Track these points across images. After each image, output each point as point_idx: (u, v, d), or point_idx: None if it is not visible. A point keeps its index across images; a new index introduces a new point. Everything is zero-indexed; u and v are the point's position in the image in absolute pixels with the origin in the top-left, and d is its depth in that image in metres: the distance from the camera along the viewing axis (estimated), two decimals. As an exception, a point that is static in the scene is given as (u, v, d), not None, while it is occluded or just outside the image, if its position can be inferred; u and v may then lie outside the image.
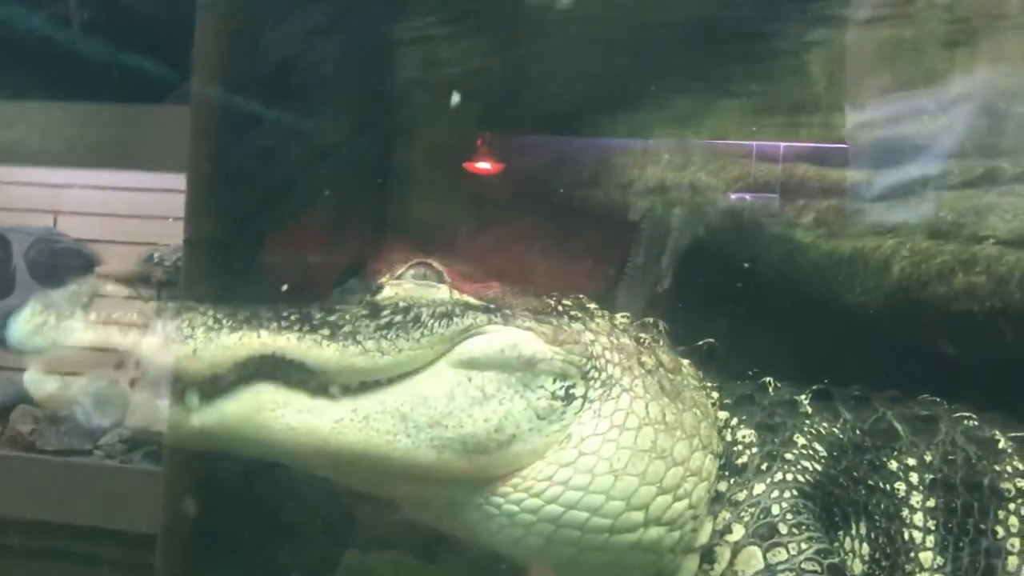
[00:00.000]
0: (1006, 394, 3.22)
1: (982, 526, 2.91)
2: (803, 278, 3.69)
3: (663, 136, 4.49)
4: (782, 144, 4.14)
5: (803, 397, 3.04)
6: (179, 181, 4.84)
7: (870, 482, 2.92)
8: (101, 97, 5.23)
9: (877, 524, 2.87)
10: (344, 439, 2.45)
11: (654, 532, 2.69)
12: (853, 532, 2.83)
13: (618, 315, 2.94)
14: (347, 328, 2.45)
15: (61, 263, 6.59)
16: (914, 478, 2.95)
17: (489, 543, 2.74)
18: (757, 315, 3.78)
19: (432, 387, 2.52)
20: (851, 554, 2.79)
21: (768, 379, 3.06)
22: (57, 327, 2.25)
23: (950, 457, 2.99)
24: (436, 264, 2.66)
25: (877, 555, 2.82)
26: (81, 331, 2.26)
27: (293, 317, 2.41)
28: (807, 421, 2.96)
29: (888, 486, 2.93)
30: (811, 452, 2.87)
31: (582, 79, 4.59)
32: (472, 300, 2.65)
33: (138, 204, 6.60)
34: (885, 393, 3.23)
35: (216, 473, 4.66)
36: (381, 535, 4.46)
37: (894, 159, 3.65)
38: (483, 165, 5.25)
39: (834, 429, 2.98)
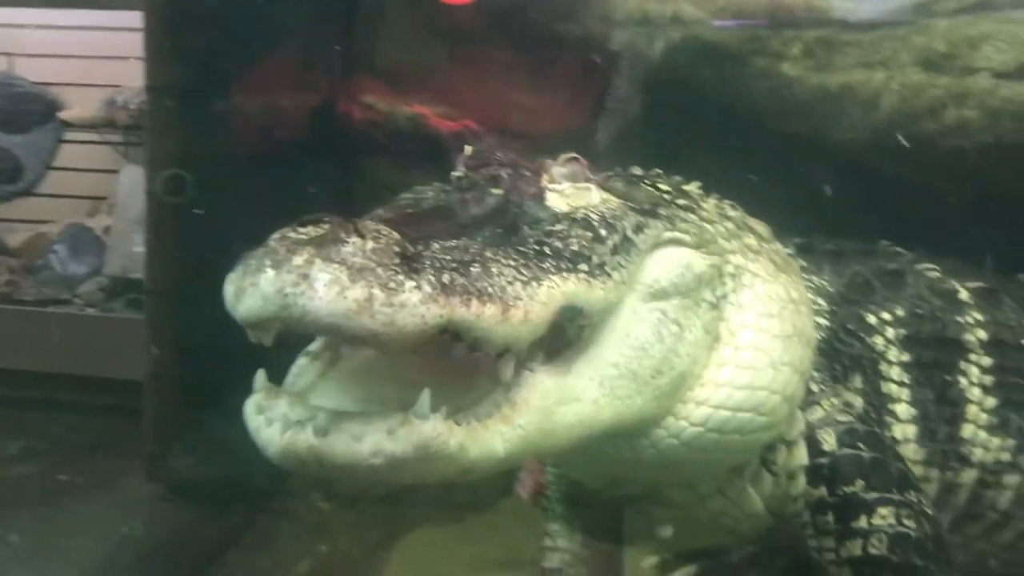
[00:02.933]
0: (991, 232, 3.19)
1: (948, 378, 2.98)
2: (790, 114, 3.56)
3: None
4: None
5: (791, 250, 2.94)
6: (139, 19, 4.63)
7: (861, 334, 2.92)
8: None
9: (868, 377, 2.88)
10: (603, 417, 2.12)
11: (786, 425, 2.58)
12: (850, 385, 2.83)
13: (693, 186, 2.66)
14: (595, 259, 2.06)
15: (22, 108, 6.39)
16: (890, 333, 2.97)
17: (628, 473, 2.55)
18: (741, 154, 3.69)
19: (643, 332, 2.20)
20: (850, 407, 2.76)
21: None
22: (392, 304, 1.63)
23: (918, 311, 3.01)
24: (582, 159, 2.30)
25: (867, 409, 2.81)
26: (423, 306, 1.65)
27: (546, 250, 1.98)
28: (803, 275, 2.84)
29: (870, 340, 2.93)
30: (817, 307, 2.84)
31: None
32: (630, 204, 2.32)
33: (97, 44, 6.37)
34: (850, 244, 3.21)
35: (200, 318, 4.66)
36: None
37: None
38: (455, -3, 5.00)
39: (823, 282, 2.97)
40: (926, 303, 3.04)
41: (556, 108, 4.96)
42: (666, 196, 2.44)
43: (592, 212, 2.18)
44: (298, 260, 1.62)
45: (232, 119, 4.69)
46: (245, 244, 4.61)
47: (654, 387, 2.23)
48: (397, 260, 1.67)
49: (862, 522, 2.58)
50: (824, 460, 2.61)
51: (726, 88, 3.76)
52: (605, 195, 2.29)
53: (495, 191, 2.18)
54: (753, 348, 2.41)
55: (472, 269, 1.76)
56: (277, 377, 1.88)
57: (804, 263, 2.96)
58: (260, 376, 1.84)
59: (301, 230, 1.71)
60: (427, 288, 1.65)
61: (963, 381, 3.00)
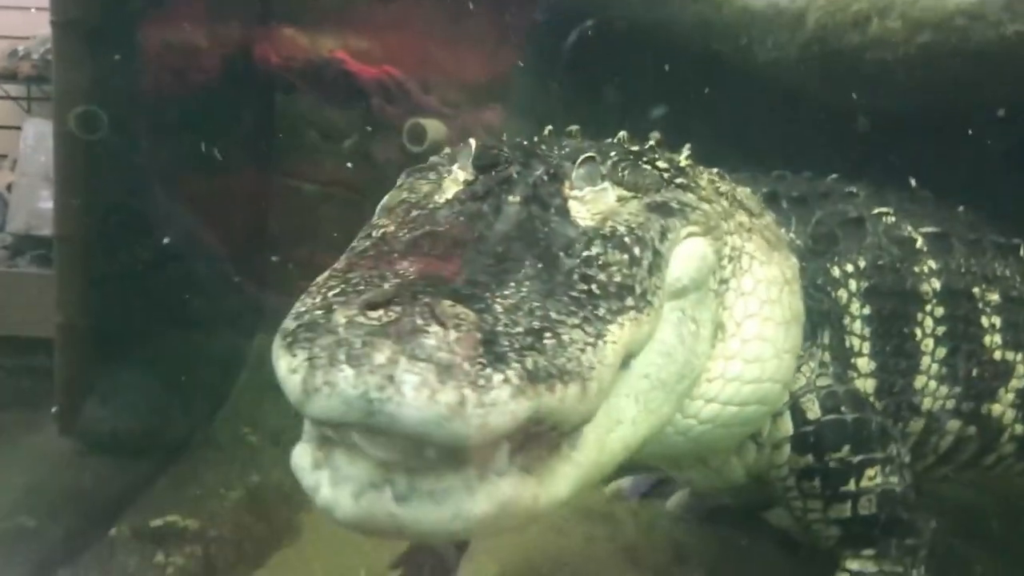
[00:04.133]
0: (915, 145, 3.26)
1: (905, 330, 2.98)
2: (716, 38, 3.58)
3: None
4: None
5: (760, 199, 2.79)
6: (40, -35, 4.44)
7: (828, 288, 2.89)
8: None
9: (834, 332, 2.85)
10: (640, 435, 2.00)
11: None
12: (819, 341, 2.80)
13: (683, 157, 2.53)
14: (637, 288, 1.93)
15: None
16: (852, 285, 2.94)
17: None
18: (672, 82, 3.70)
19: (668, 336, 2.08)
20: (826, 367, 2.76)
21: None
22: (483, 404, 1.49)
23: (879, 262, 3.00)
24: (596, 155, 2.17)
25: (833, 363, 2.80)
26: (514, 402, 1.51)
27: (595, 289, 1.84)
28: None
29: (835, 293, 2.91)
30: None
31: None
32: (644, 198, 2.19)
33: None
34: (803, 183, 3.19)
35: (110, 271, 4.50)
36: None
37: None
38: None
39: (791, 235, 2.89)
40: (885, 253, 3.02)
41: (478, 55, 4.94)
42: (665, 175, 2.32)
43: (619, 224, 2.06)
44: (380, 358, 1.48)
45: (144, 56, 4.52)
46: (160, 187, 4.43)
47: (678, 393, 2.15)
48: (481, 350, 1.53)
49: (850, 486, 2.62)
50: (809, 428, 2.61)
51: (654, 14, 3.76)
52: (619, 191, 2.18)
53: (512, 199, 2.03)
54: (759, 339, 2.34)
55: (546, 341, 1.63)
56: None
57: (773, 216, 2.83)
58: (309, 424, 1.64)
59: (371, 314, 1.55)
60: (515, 380, 1.52)
61: (918, 333, 3.01)
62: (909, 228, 3.13)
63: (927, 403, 3.01)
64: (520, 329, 1.62)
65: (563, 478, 1.71)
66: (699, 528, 3.25)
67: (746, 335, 2.33)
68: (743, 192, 2.58)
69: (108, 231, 4.49)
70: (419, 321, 1.52)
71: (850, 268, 2.96)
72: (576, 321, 1.73)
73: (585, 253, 1.93)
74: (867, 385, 2.89)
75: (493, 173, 2.11)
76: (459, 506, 1.55)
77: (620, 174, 2.22)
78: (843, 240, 2.99)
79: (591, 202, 2.09)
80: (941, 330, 3.04)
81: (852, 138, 3.49)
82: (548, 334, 1.65)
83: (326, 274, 1.83)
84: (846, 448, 2.62)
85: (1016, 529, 3.65)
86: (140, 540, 3.31)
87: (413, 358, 1.48)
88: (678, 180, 2.33)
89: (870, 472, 2.62)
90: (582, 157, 2.12)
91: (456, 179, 2.14)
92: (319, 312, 1.61)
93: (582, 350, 1.67)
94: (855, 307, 2.93)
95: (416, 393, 1.45)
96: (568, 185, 2.09)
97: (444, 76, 4.99)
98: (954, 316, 3.06)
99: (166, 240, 4.49)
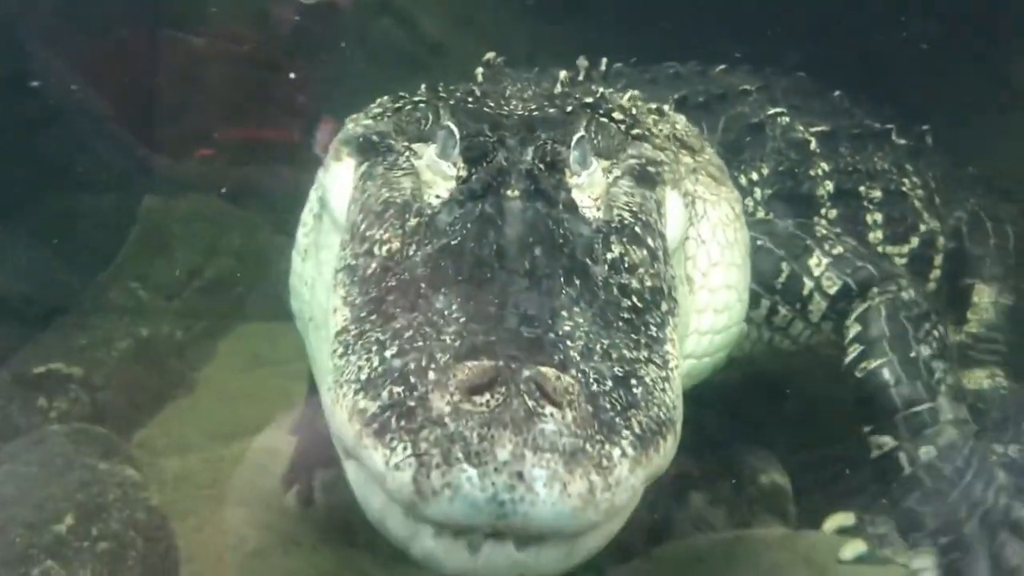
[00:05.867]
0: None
1: None
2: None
3: None
4: None
5: (671, 109, 2.75)
6: None
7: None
8: None
9: None
10: None
11: None
12: None
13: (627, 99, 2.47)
14: (665, 288, 1.95)
15: None
16: (757, 193, 3.00)
17: None
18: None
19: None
20: None
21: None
22: (610, 486, 1.46)
23: (780, 169, 3.05)
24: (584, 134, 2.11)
25: None
26: (633, 476, 1.50)
27: (636, 301, 1.84)
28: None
29: (744, 201, 2.89)
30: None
31: None
32: (625, 164, 2.17)
33: None
34: (694, 72, 3.23)
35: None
36: (182, 179, 4.31)
37: None
38: None
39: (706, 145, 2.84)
40: (785, 158, 3.07)
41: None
42: (622, 127, 2.29)
43: (623, 211, 2.03)
44: (504, 454, 1.41)
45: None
46: (40, 41, 4.19)
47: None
48: (596, 424, 1.49)
49: (808, 284, 2.70)
50: None
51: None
52: (601, 162, 2.13)
53: (511, 194, 1.94)
54: (726, 287, 2.35)
55: (635, 389, 1.62)
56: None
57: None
58: (402, 474, 1.45)
59: (477, 400, 1.46)
60: (630, 451, 1.51)
61: None
62: (802, 128, 3.18)
63: (820, 307, 3.08)
64: (609, 383, 1.60)
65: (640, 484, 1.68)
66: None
67: (713, 285, 2.34)
68: (682, 126, 2.57)
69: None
70: (530, 403, 1.48)
71: (755, 176, 3.02)
72: (644, 354, 1.73)
73: (609, 255, 1.91)
74: None
75: (484, 164, 2.02)
76: (577, 545, 1.52)
77: (595, 141, 2.18)
78: (748, 148, 3.05)
79: (589, 186, 2.05)
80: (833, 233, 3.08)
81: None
82: (633, 380, 1.64)
83: (348, 314, 1.74)
84: (784, 265, 2.69)
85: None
86: (21, 386, 3.27)
87: (538, 449, 1.43)
88: (634, 131, 2.31)
89: (812, 261, 2.70)
90: (575, 138, 2.07)
91: (439, 170, 2.05)
92: (400, 390, 1.49)
93: (663, 389, 1.69)
94: (760, 215, 2.98)
95: (548, 490, 1.40)
96: (568, 173, 2.03)
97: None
98: (843, 217, 3.14)
99: (49, 97, 4.30)
